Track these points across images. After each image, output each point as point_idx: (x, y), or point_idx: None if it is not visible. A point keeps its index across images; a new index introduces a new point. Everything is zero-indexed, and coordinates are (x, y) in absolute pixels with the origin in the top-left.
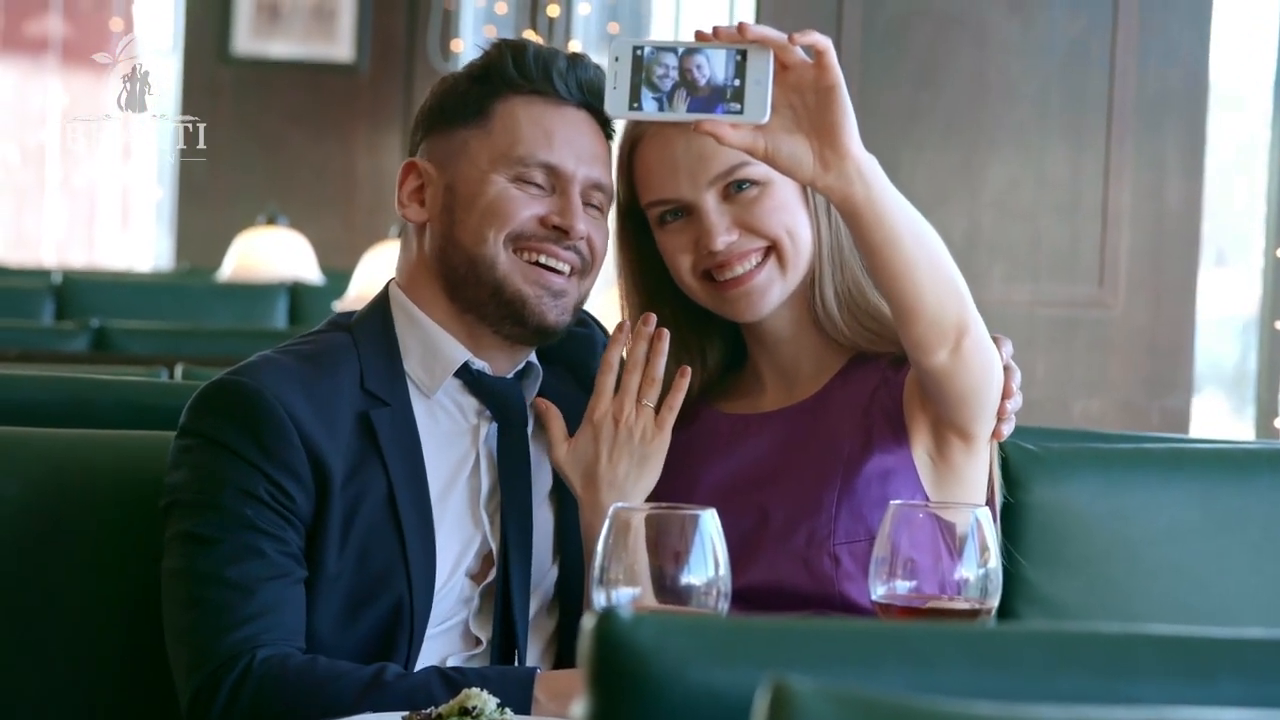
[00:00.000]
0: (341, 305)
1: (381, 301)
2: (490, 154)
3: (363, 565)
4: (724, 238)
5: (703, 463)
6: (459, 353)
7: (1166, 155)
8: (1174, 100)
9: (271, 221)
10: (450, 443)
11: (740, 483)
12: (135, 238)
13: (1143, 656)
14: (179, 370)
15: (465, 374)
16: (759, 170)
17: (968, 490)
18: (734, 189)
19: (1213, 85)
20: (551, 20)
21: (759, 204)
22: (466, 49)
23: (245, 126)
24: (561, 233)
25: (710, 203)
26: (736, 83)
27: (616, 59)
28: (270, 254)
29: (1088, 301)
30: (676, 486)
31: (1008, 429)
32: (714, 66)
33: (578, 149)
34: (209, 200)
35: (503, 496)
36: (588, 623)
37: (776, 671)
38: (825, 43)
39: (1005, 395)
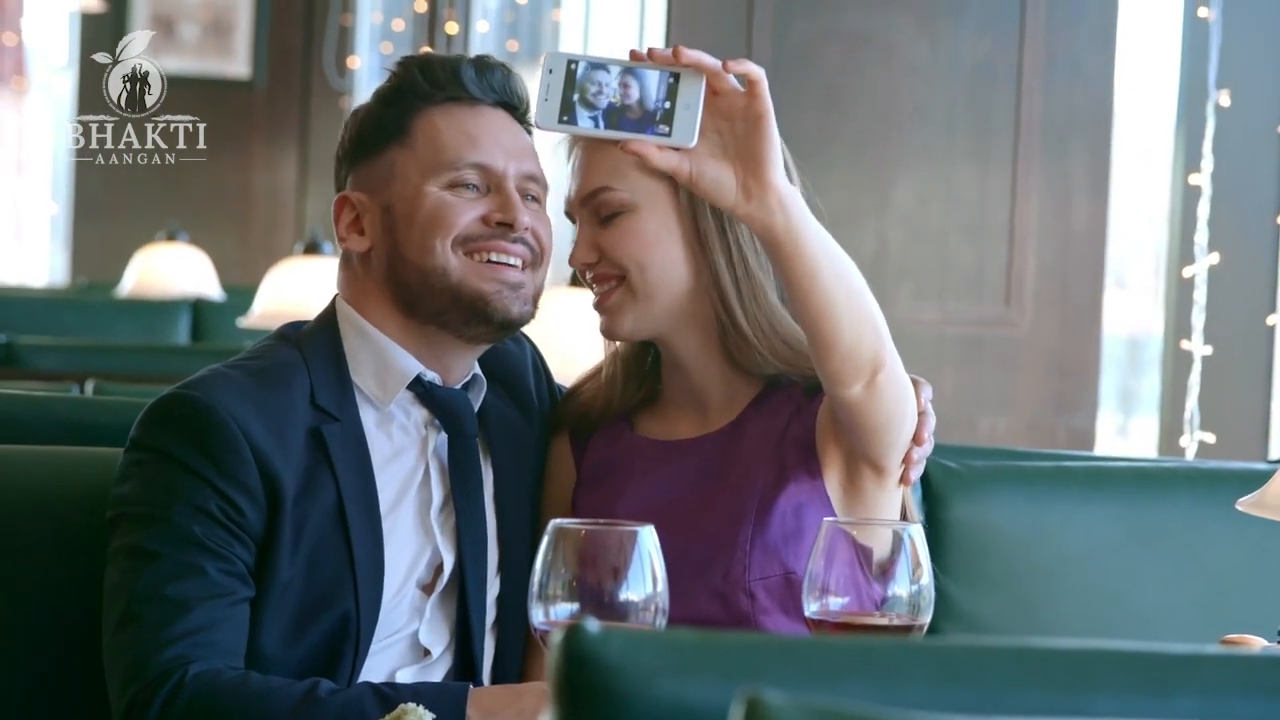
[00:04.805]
0: (248, 322)
1: (329, 317)
2: (419, 167)
3: (311, 579)
4: (580, 257)
5: (621, 488)
6: (411, 365)
7: (1072, 176)
8: (1080, 122)
9: (172, 238)
10: (400, 454)
11: (656, 514)
12: (28, 253)
13: (1102, 671)
14: (89, 386)
15: (417, 386)
16: (617, 197)
17: (881, 517)
18: (602, 211)
19: (1117, 107)
20: (450, 38)
21: (614, 230)
22: (363, 65)
23: None
24: (506, 228)
25: (583, 218)
26: (667, 105)
27: (550, 71)
28: (171, 270)
29: (995, 321)
30: (595, 507)
31: (915, 474)
32: (646, 87)
33: (504, 145)
34: (105, 216)
35: (456, 506)
36: (555, 637)
37: (745, 686)
38: (758, 73)
39: (916, 441)
